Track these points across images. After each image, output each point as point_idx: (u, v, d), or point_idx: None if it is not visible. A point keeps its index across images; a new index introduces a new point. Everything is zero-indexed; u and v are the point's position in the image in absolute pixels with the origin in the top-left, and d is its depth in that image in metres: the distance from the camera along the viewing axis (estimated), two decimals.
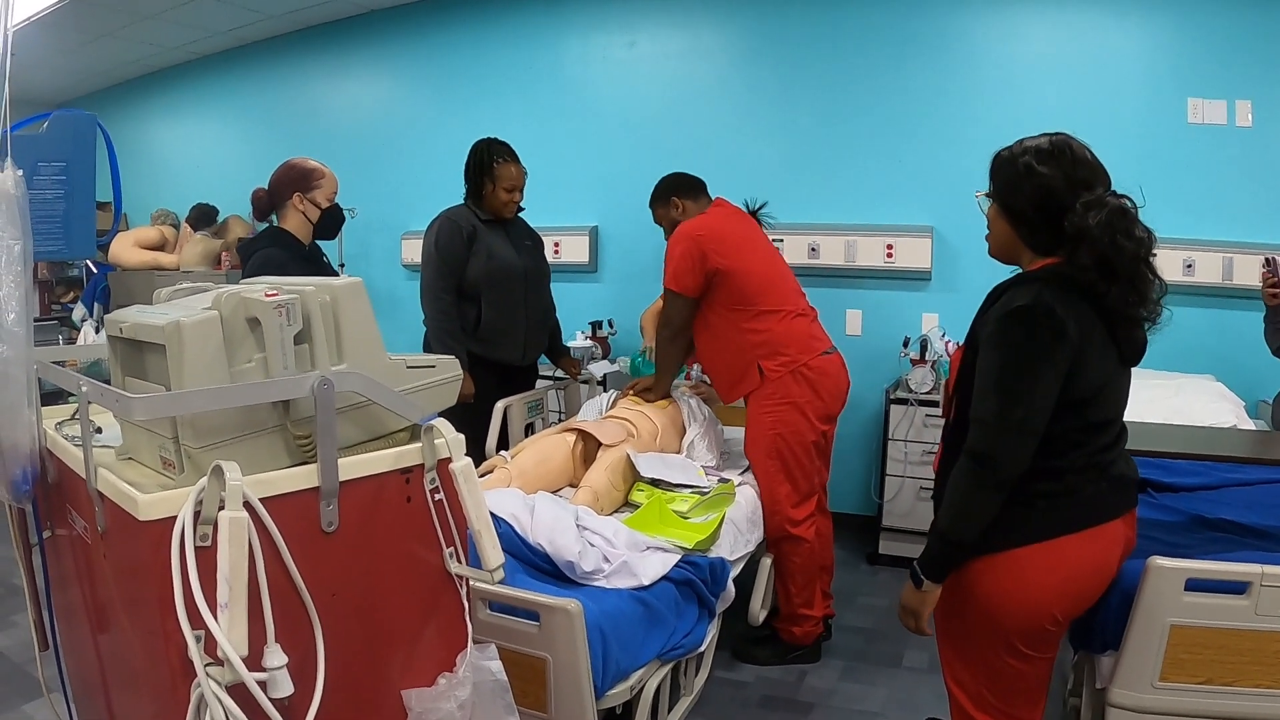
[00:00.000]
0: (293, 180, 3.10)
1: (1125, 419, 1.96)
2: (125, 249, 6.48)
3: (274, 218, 3.17)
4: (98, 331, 5.90)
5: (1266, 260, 3.00)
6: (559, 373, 4.35)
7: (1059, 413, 1.80)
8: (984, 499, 1.82)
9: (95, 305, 6.48)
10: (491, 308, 3.68)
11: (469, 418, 3.33)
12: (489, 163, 3.66)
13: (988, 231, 2.01)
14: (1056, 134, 1.89)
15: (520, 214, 3.84)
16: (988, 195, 1.98)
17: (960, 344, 2.02)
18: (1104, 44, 4.32)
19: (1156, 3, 4.21)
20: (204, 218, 6.51)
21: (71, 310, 6.85)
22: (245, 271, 2.96)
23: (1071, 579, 1.88)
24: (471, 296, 3.66)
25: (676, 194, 3.62)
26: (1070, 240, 1.80)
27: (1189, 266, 4.05)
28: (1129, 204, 1.80)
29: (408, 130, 6.12)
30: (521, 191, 3.74)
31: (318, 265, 3.20)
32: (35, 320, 1.57)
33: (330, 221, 3.18)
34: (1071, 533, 1.85)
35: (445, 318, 3.61)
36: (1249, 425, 3.55)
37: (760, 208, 3.72)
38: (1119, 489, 1.92)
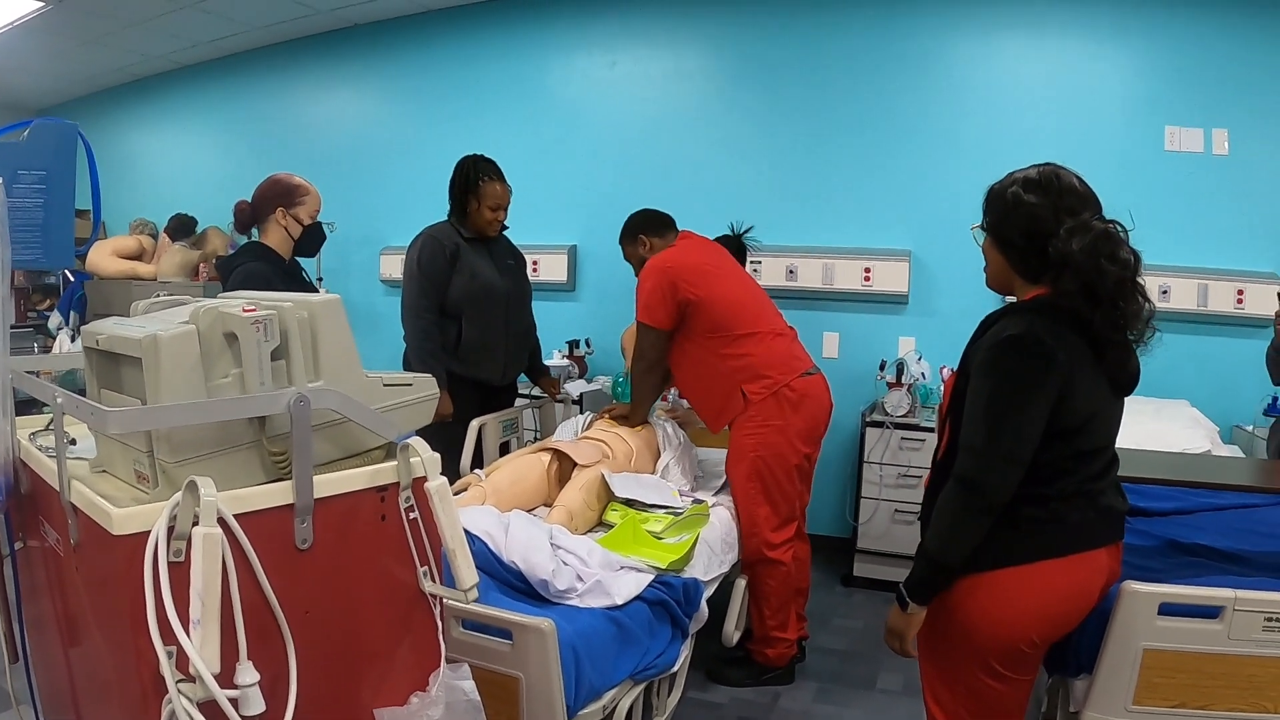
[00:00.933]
0: (277, 195, 3.09)
1: None
2: (103, 258, 6.45)
3: (255, 231, 3.16)
4: (73, 340, 5.85)
5: None
6: (536, 391, 4.34)
7: (1048, 441, 1.82)
8: (970, 524, 1.84)
9: (71, 313, 6.43)
10: (473, 327, 3.66)
11: (447, 436, 3.32)
12: (474, 180, 3.64)
13: (985, 264, 2.04)
14: (1046, 164, 1.93)
15: (504, 233, 3.84)
16: (982, 228, 2.01)
17: (954, 370, 2.04)
18: (1083, 71, 4.38)
19: (1135, 31, 4.27)
20: (182, 228, 6.50)
21: (48, 318, 6.80)
22: (228, 285, 2.93)
23: (1050, 603, 1.89)
24: (453, 315, 3.65)
25: (644, 232, 3.63)
26: (1054, 266, 1.82)
27: (1164, 292, 4.09)
28: (1116, 228, 1.82)
29: (388, 145, 6.12)
30: (506, 210, 3.73)
31: (298, 281, 3.19)
32: (10, 327, 1.56)
33: (311, 239, 3.16)
34: (1053, 558, 1.87)
35: (426, 337, 3.59)
36: (1223, 451, 3.60)
37: (746, 231, 3.73)
38: (1106, 519, 1.94)
